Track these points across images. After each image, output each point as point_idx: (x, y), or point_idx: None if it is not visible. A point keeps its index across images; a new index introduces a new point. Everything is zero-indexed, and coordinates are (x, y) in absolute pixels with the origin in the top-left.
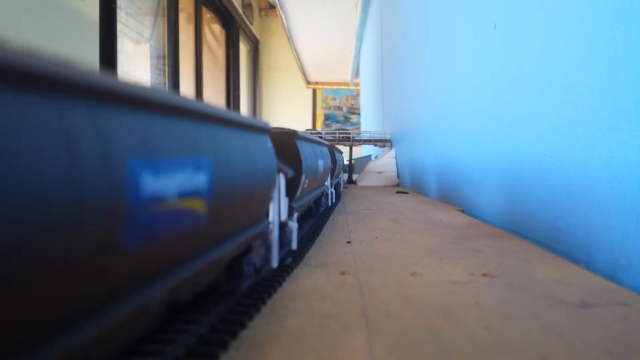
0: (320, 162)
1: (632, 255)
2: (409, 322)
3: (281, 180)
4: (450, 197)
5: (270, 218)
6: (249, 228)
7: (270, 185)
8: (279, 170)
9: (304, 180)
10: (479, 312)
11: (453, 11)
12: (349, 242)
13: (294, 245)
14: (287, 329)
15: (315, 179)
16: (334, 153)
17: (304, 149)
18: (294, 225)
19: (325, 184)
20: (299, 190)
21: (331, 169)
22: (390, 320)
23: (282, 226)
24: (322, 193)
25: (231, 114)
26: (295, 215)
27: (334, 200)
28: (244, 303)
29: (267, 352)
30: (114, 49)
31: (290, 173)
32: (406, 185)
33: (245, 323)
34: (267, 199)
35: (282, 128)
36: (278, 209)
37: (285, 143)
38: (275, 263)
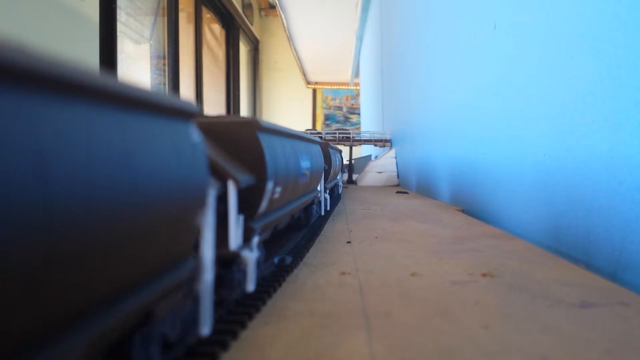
0: (305, 164)
1: (632, 255)
2: (409, 322)
3: (230, 190)
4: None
5: (205, 253)
6: (143, 284)
7: (193, 202)
8: (225, 176)
9: (272, 188)
10: (479, 312)
11: (453, 11)
12: (349, 242)
13: (250, 287)
14: (287, 329)
15: (295, 185)
16: (328, 152)
17: (272, 145)
18: (250, 256)
19: (318, 188)
20: (264, 203)
21: (325, 170)
22: (390, 320)
23: (231, 259)
24: (313, 201)
25: (81, 74)
26: (256, 240)
27: (328, 208)
28: None
29: (267, 352)
30: (114, 49)
31: (247, 180)
32: (412, 187)
33: None
34: (188, 227)
35: (239, 117)
36: (212, 237)
37: (241, 137)
38: (206, 328)
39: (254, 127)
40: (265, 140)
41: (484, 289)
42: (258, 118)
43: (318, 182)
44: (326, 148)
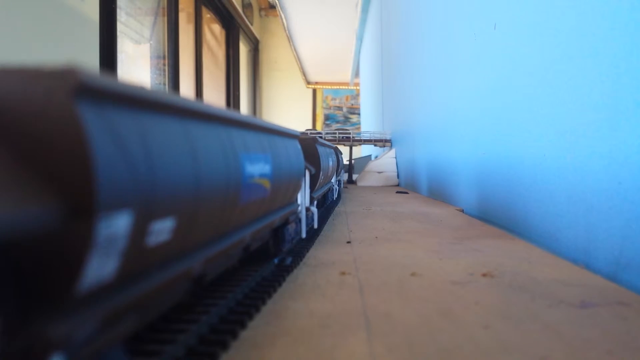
0: (259, 168)
1: (632, 255)
2: (409, 322)
3: None
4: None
5: None
6: None
7: None
8: None
9: (135, 227)
10: (479, 312)
11: (453, 11)
12: (349, 242)
13: None
14: (287, 329)
15: (232, 206)
16: (316, 151)
17: (138, 132)
18: None
19: (298, 201)
20: (94, 269)
21: (312, 176)
22: (390, 320)
23: None
24: (287, 220)
25: None
26: None
27: (316, 226)
28: None
29: (267, 352)
30: (114, 49)
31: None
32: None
33: None
34: None
35: (36, 66)
36: None
37: (37, 114)
38: None
39: (69, 88)
40: (100, 120)
41: (484, 289)
42: (84, 67)
43: (295, 192)
44: (312, 144)
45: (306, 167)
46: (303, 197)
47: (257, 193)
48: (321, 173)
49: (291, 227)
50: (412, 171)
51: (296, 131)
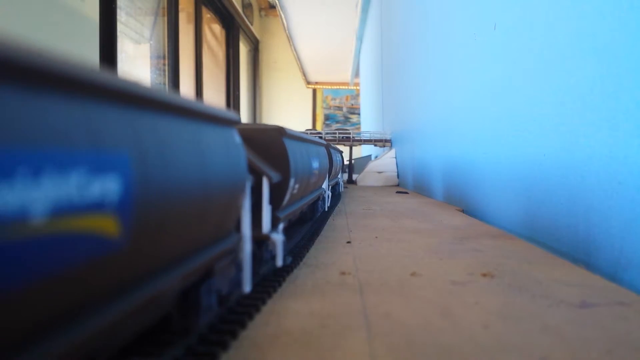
0: (75, 192)
1: (632, 255)
2: (409, 322)
3: None
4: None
5: None
6: None
7: None
8: None
9: None
10: (479, 312)
11: (453, 11)
12: (349, 242)
13: None
14: (287, 329)
15: None
16: (283, 147)
17: None
18: None
19: (242, 231)
20: None
21: (273, 186)
22: (390, 320)
23: None
24: (212, 269)
25: None
26: None
27: (280, 264)
28: None
29: (267, 352)
30: (114, 49)
31: None
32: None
33: None
34: None
35: None
36: None
37: None
38: None
39: None
40: None
41: (484, 289)
42: None
43: (228, 218)
44: (277, 138)
45: (262, 173)
46: (246, 224)
47: (64, 256)
48: (293, 181)
49: (220, 280)
50: (413, 171)
51: (229, 113)
